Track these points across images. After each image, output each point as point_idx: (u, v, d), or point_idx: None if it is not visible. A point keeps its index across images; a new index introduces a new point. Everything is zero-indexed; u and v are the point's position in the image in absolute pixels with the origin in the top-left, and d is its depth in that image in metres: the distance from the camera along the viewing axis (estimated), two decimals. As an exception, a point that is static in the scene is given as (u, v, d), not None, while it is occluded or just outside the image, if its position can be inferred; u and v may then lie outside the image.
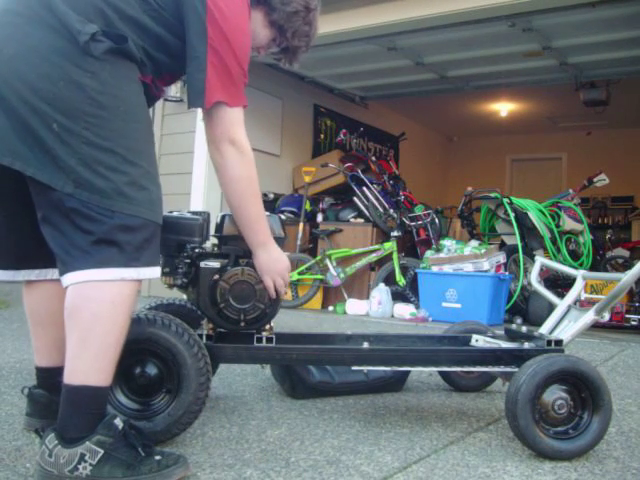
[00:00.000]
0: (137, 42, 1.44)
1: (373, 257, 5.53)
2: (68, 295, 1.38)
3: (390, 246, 5.45)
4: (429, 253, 5.27)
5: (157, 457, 1.39)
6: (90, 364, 1.36)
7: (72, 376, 1.36)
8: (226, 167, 1.58)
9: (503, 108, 9.03)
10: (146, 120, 1.49)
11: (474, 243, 5.20)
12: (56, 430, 1.37)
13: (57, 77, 1.33)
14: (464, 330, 2.31)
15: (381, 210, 5.77)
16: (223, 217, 1.87)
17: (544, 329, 2.07)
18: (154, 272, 1.44)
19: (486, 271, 4.85)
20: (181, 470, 1.40)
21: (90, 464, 1.34)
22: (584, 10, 4.82)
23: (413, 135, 8.79)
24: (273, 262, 1.75)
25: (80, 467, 1.33)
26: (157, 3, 1.46)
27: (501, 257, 5.04)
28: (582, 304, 4.01)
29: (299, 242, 5.80)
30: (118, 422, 1.40)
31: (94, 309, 1.35)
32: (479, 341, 2.16)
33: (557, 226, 5.41)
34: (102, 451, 1.35)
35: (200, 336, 1.77)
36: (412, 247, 5.99)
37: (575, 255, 5.58)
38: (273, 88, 6.65)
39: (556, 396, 1.68)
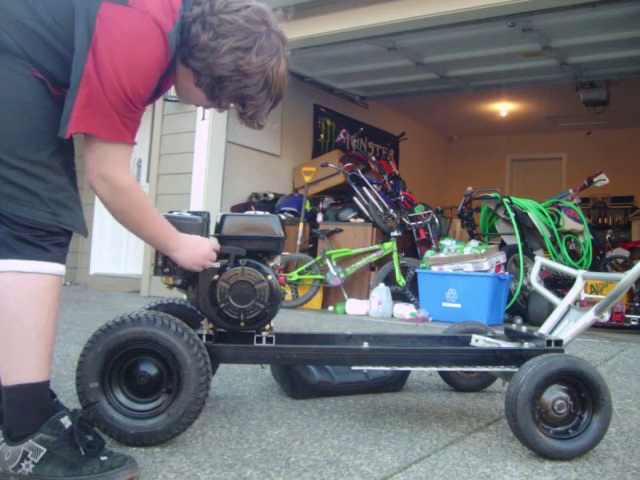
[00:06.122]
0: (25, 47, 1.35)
1: (373, 257, 5.53)
2: None
3: (390, 246, 5.46)
4: (429, 253, 5.27)
5: (103, 458, 1.38)
6: (20, 362, 1.36)
7: (7, 377, 1.37)
8: (103, 201, 1.46)
9: (503, 108, 9.03)
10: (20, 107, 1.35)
11: (474, 243, 5.20)
12: (3, 428, 1.38)
13: None
14: (464, 330, 2.30)
15: (381, 210, 5.77)
16: (223, 217, 1.87)
17: (544, 329, 2.07)
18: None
19: (486, 271, 4.86)
20: (126, 473, 1.37)
21: (32, 462, 1.34)
22: (584, 10, 4.83)
23: (413, 135, 8.79)
24: (195, 255, 1.71)
25: (23, 465, 1.34)
26: (53, 17, 1.35)
27: (501, 257, 5.05)
28: (582, 304, 4.01)
29: (299, 242, 5.81)
30: (65, 421, 1.39)
31: (11, 306, 1.35)
32: (479, 341, 2.16)
33: (557, 226, 5.41)
34: (45, 449, 1.35)
35: (200, 336, 1.77)
36: (412, 247, 6.00)
37: (575, 255, 5.58)
38: (273, 88, 6.65)
39: (556, 396, 1.68)
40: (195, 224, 1.80)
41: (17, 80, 1.35)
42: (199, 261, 1.73)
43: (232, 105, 1.60)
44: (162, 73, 1.46)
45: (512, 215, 5.26)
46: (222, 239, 1.84)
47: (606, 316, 4.48)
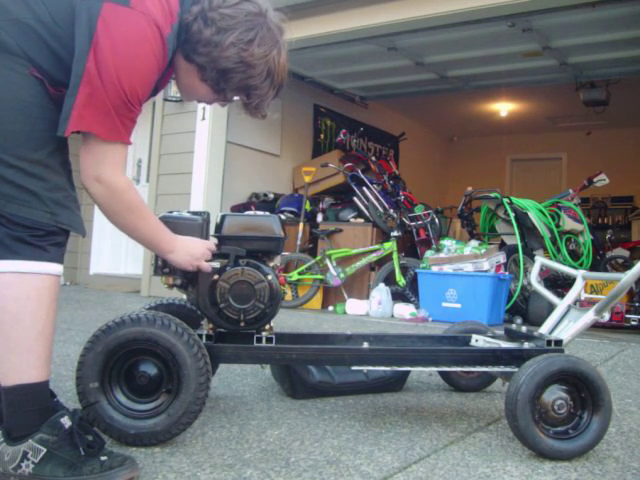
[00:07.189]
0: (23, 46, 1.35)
1: (373, 257, 5.53)
2: None
3: (390, 246, 5.45)
4: (429, 253, 5.27)
5: (103, 458, 1.38)
6: (19, 363, 1.37)
7: (6, 377, 1.37)
8: (98, 204, 1.47)
9: (503, 108, 9.03)
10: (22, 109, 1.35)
11: (474, 243, 5.20)
12: (3, 428, 1.38)
13: None
14: (464, 330, 2.30)
15: (381, 210, 5.77)
16: (223, 217, 1.87)
17: (544, 329, 2.07)
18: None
19: (486, 271, 4.86)
20: (125, 473, 1.37)
21: (32, 462, 1.35)
22: (584, 10, 4.83)
23: (413, 135, 8.79)
24: (189, 255, 1.71)
25: (23, 465, 1.35)
26: (52, 17, 1.35)
27: (501, 257, 5.05)
28: (582, 304, 4.01)
29: (299, 242, 5.81)
30: (65, 421, 1.40)
31: (10, 307, 1.35)
32: (479, 341, 2.16)
33: (557, 226, 5.41)
34: (45, 449, 1.36)
35: (200, 336, 1.77)
36: (412, 247, 6.00)
37: (575, 255, 5.58)
38: (273, 88, 6.65)
39: (556, 396, 1.68)
40: (195, 224, 1.80)
41: (16, 79, 1.35)
42: (194, 262, 1.73)
43: (236, 97, 1.62)
44: (160, 75, 1.47)
45: (512, 215, 5.26)
46: (222, 239, 1.84)
47: (606, 316, 4.47)
